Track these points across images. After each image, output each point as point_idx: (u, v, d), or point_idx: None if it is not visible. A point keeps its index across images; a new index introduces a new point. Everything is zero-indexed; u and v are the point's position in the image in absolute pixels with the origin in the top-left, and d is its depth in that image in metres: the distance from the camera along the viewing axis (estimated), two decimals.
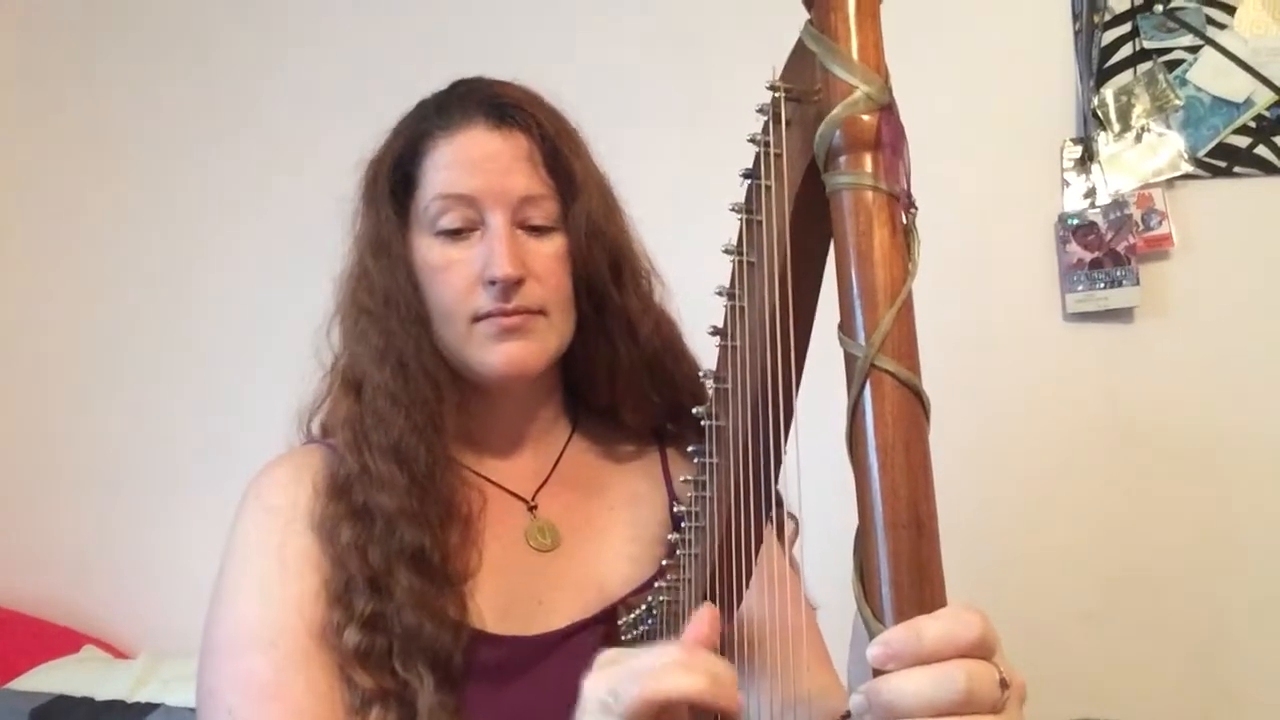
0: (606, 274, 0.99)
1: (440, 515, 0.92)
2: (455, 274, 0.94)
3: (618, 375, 1.02)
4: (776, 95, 0.62)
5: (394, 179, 0.98)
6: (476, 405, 1.00)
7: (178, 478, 2.07)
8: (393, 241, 0.97)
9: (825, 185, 0.59)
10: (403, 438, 0.92)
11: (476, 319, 0.94)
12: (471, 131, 0.95)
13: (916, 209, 0.59)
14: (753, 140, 0.66)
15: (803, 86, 0.61)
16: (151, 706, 1.70)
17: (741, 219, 0.70)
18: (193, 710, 1.62)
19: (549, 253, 0.96)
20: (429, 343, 0.96)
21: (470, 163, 0.94)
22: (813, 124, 0.59)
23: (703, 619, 0.68)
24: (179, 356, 2.11)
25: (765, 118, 0.64)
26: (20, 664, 1.83)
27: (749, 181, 0.68)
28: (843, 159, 0.58)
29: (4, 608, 2.01)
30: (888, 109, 0.57)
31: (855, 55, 0.57)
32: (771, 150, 0.63)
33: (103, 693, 1.73)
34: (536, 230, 0.96)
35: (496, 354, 0.94)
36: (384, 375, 0.94)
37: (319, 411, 1.02)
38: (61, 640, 1.96)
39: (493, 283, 0.92)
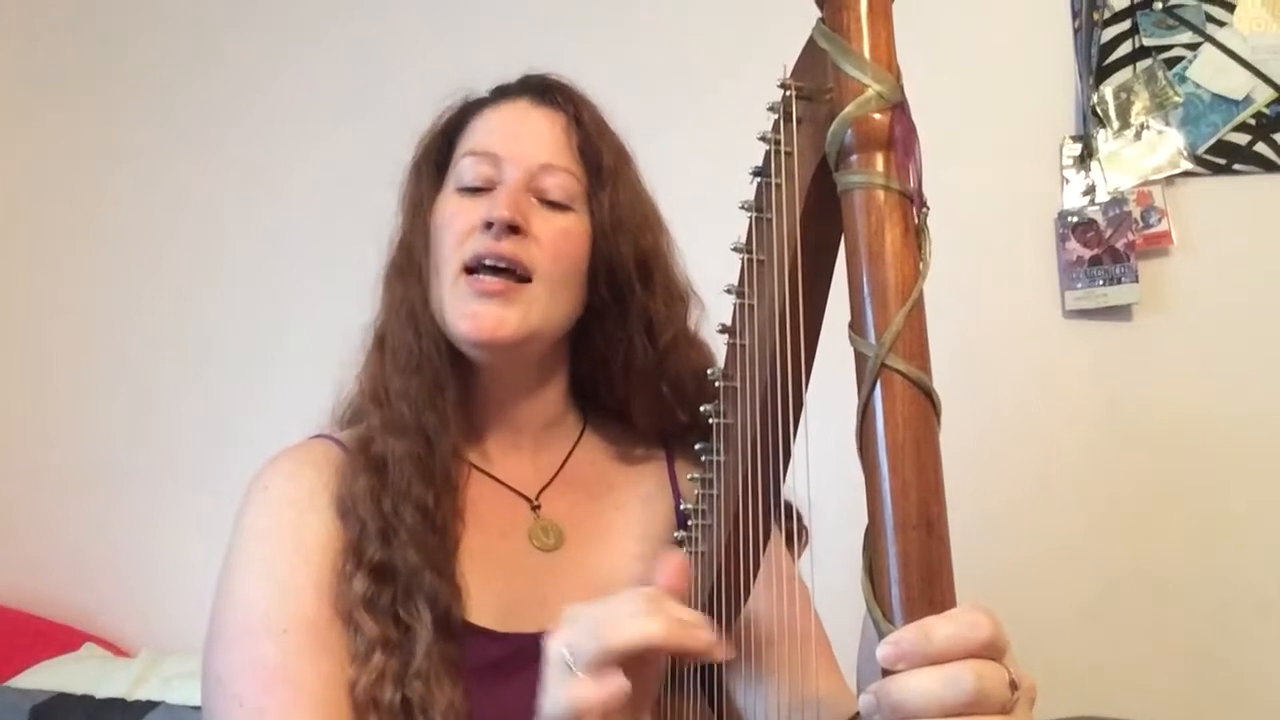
0: (631, 268, 0.99)
1: (441, 474, 0.93)
2: (459, 221, 0.95)
3: (631, 370, 1.01)
4: (788, 93, 0.62)
5: (439, 145, 1.02)
6: (473, 383, 0.99)
7: (177, 477, 2.06)
8: (424, 201, 1.00)
9: (837, 184, 0.59)
10: (415, 391, 0.93)
11: (467, 270, 0.93)
12: (516, 103, 1.00)
13: (928, 208, 0.59)
14: (763, 138, 0.66)
15: (814, 85, 0.61)
16: (151, 705, 1.70)
17: (751, 217, 0.70)
18: (193, 708, 1.65)
19: (559, 225, 0.96)
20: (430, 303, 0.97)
21: (504, 125, 0.98)
22: (824, 122, 0.59)
23: (670, 566, 0.67)
24: (179, 356, 2.11)
25: (775, 116, 0.64)
26: (20, 662, 1.82)
27: (758, 180, 0.68)
28: (854, 158, 0.58)
29: (4, 605, 2.01)
30: (900, 107, 0.57)
31: (867, 54, 0.58)
32: (782, 148, 0.64)
33: (103, 690, 1.72)
34: (552, 205, 0.96)
35: (467, 312, 0.92)
36: (400, 329, 0.96)
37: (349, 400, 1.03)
38: (61, 638, 1.95)
39: (489, 226, 0.92)
